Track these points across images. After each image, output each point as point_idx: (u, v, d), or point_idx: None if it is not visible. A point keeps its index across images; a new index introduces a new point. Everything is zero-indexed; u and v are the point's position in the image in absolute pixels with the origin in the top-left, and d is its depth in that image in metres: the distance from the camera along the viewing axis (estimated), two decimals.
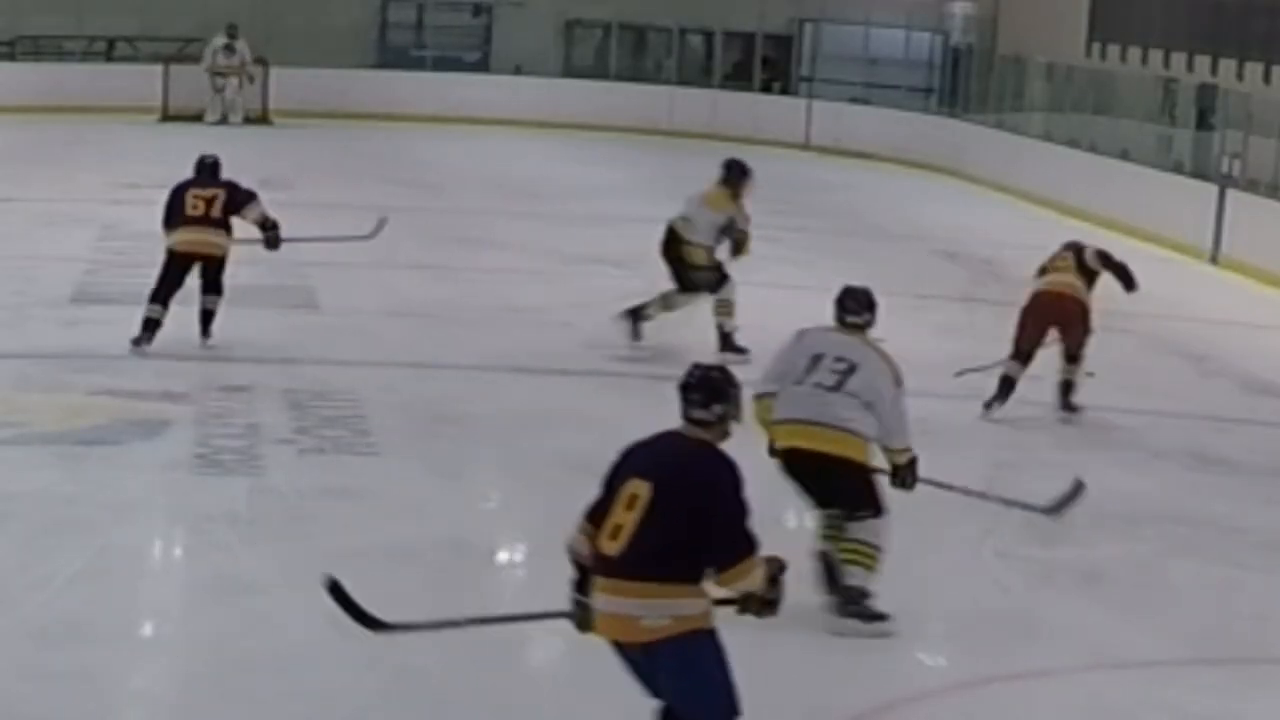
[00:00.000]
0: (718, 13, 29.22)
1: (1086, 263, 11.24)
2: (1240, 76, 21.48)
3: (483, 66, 29.70)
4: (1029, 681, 6.98)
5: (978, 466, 10.01)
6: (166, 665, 6.78)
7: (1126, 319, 13.77)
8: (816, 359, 7.49)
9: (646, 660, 5.36)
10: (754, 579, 5.38)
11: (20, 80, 25.80)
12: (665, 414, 10.95)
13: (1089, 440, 10.75)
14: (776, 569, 5.47)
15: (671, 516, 5.29)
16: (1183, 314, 13.78)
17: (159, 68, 26.05)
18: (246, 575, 7.52)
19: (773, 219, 19.75)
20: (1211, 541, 8.88)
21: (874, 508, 7.46)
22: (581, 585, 5.53)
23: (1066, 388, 11.23)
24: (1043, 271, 11.43)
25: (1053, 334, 11.13)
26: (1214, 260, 18.02)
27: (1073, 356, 11.18)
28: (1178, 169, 20.60)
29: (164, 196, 12.02)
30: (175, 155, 22.41)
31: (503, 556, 8.40)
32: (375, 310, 13.20)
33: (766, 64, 30.04)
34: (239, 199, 11.77)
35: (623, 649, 5.43)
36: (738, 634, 7.09)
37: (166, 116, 25.67)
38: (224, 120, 25.66)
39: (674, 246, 12.43)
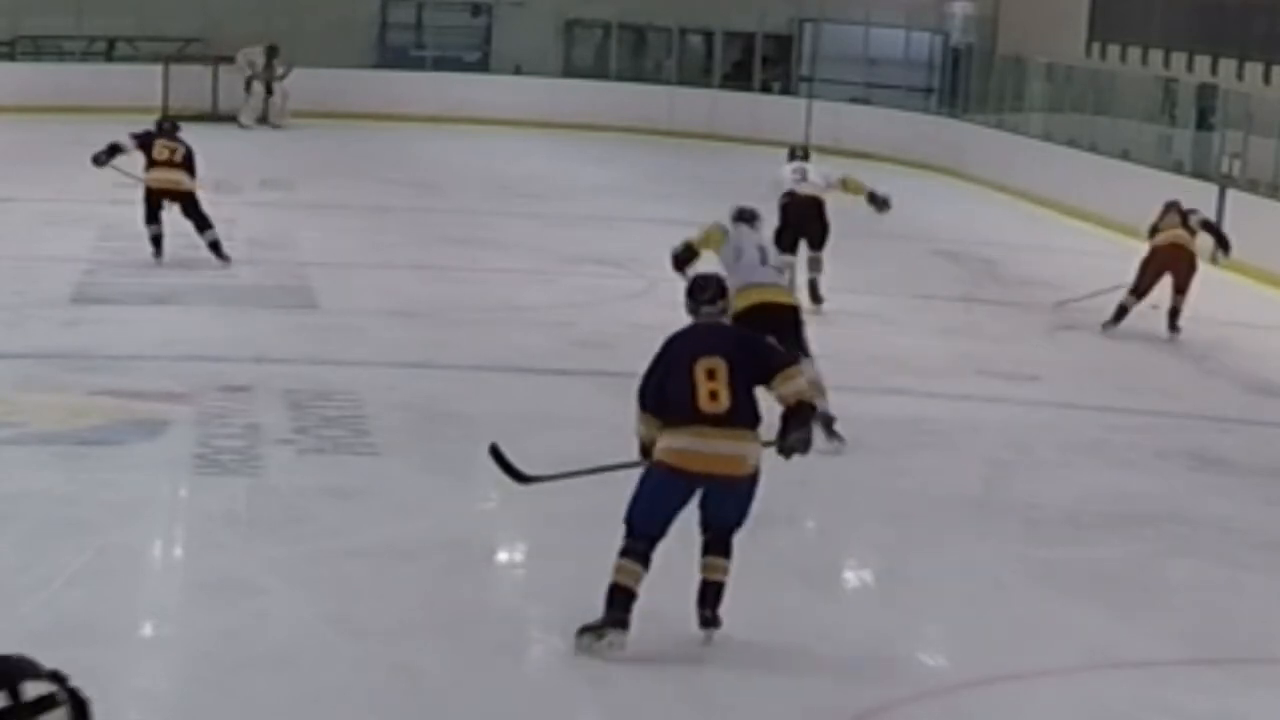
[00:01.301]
0: (718, 13, 29.23)
1: (1190, 224, 14.16)
2: (1240, 76, 21.48)
3: (483, 66, 29.72)
4: (1029, 681, 6.97)
5: (978, 466, 10.01)
6: (166, 665, 6.78)
7: (1127, 319, 13.79)
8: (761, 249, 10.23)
9: (731, 488, 7.00)
10: (801, 382, 7.08)
11: (20, 80, 25.82)
12: None
13: (1089, 440, 10.76)
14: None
15: (745, 376, 7.00)
16: (1183, 314, 13.77)
17: (159, 68, 26.07)
18: (246, 575, 7.51)
19: (772, 219, 19.77)
20: (1211, 541, 8.88)
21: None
22: (646, 453, 7.19)
23: (1174, 314, 13.98)
24: (1154, 231, 14.22)
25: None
26: (1214, 260, 18.01)
27: (1180, 289, 13.98)
28: (1178, 169, 20.59)
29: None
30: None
31: (503, 556, 8.40)
32: (375, 310, 13.19)
33: (767, 63, 30.05)
34: (193, 165, 14.51)
35: (714, 481, 6.97)
36: (739, 633, 7.11)
37: (166, 116, 25.65)
38: (264, 121, 26.02)
39: (818, 208, 14.08)
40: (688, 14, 29.58)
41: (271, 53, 26.42)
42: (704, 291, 7.44)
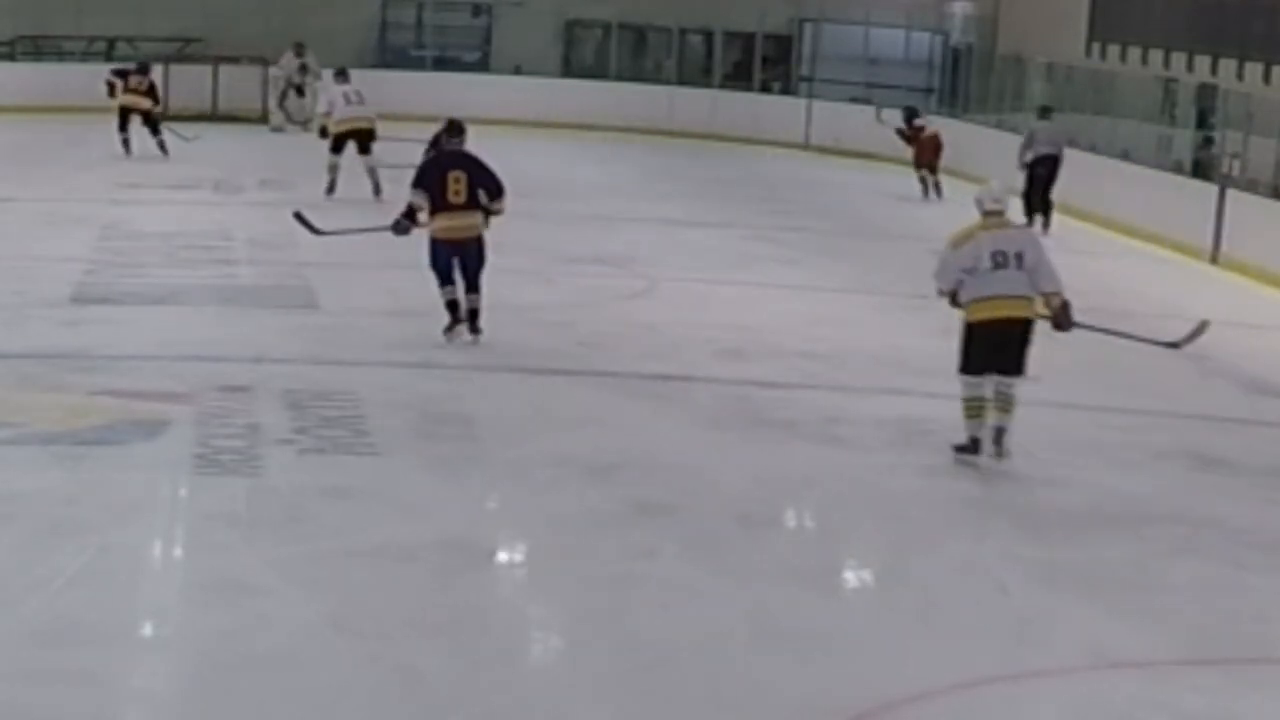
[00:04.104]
0: (718, 13, 29.25)
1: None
2: (1240, 76, 21.48)
3: (483, 66, 29.74)
4: (1029, 681, 6.97)
5: (978, 466, 10.01)
6: (166, 665, 6.78)
7: (1127, 319, 13.76)
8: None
9: (474, 246, 12.05)
10: (506, 201, 12.17)
11: (20, 80, 25.82)
12: (664, 412, 10.98)
13: (1089, 440, 10.76)
14: None
15: (476, 182, 12.00)
16: (1183, 314, 13.72)
17: (159, 68, 26.05)
18: (246, 575, 7.51)
19: (772, 219, 19.80)
20: (1211, 541, 8.87)
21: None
22: (411, 216, 12.26)
23: (938, 186, 20.87)
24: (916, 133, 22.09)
25: None
26: (1214, 260, 18.02)
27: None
28: (1178, 169, 20.59)
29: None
30: (176, 155, 22.45)
31: (503, 556, 8.40)
32: (375, 310, 13.19)
33: (767, 63, 30.06)
34: (154, 92, 22.33)
35: (463, 244, 12.01)
36: (736, 634, 7.11)
37: (166, 116, 25.69)
38: (290, 125, 26.10)
39: (369, 125, 19.40)
40: (688, 14, 29.59)
41: (299, 50, 26.36)
42: (456, 132, 12.41)
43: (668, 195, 21.54)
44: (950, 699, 6.73)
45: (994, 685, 6.91)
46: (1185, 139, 21.47)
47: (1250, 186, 18.54)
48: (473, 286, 12.01)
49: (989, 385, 9.71)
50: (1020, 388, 9.75)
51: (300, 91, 26.49)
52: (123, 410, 9.96)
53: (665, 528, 8.47)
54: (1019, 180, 19.30)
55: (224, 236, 16.25)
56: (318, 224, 13.73)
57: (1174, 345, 11.25)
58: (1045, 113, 20.96)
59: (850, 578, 8.46)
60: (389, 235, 12.58)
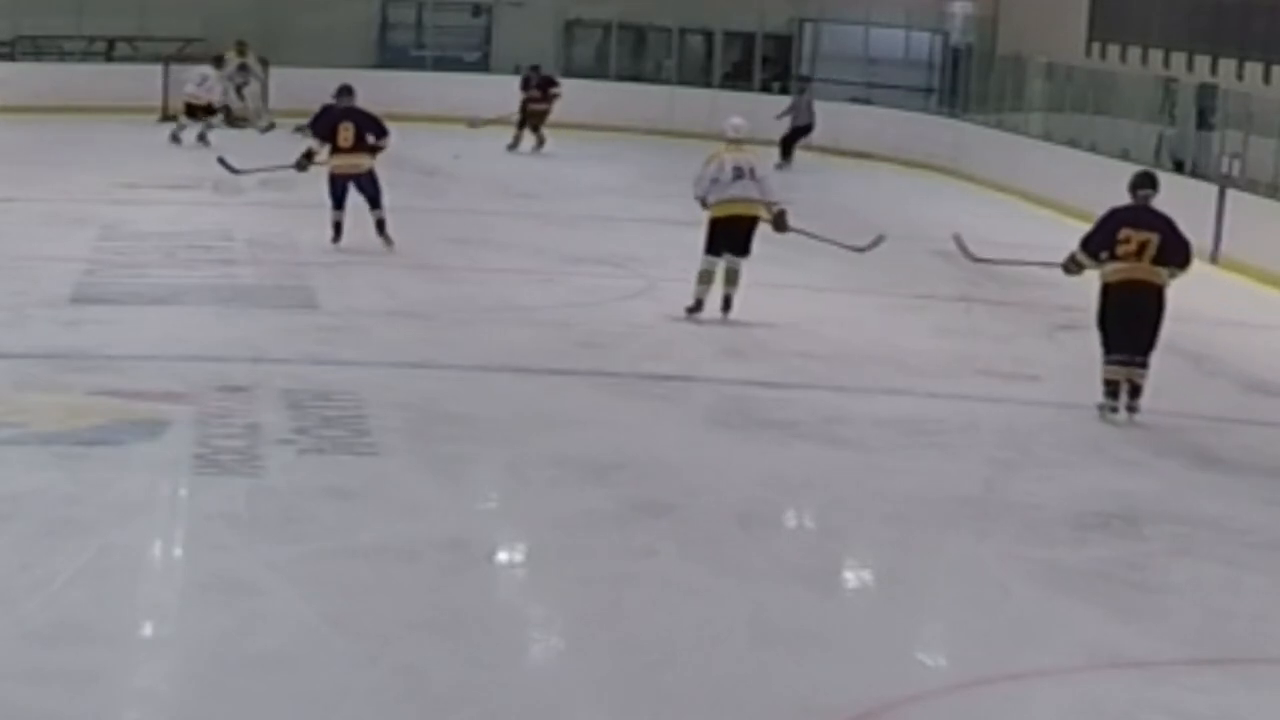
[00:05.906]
0: (718, 13, 29.25)
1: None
2: (1240, 76, 21.48)
3: (483, 66, 29.73)
4: (1029, 681, 6.97)
5: (977, 465, 10.02)
6: (166, 665, 6.77)
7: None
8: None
9: (365, 177, 15.26)
10: (391, 140, 15.76)
11: (20, 80, 25.82)
12: (664, 412, 10.98)
13: (1089, 440, 10.76)
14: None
15: (364, 130, 15.30)
16: (1183, 314, 13.69)
17: (159, 68, 26.08)
18: (246, 575, 7.51)
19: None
20: (1211, 541, 8.87)
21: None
22: (309, 156, 15.69)
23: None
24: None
25: None
26: (1214, 260, 18.00)
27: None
28: (1178, 169, 20.58)
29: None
30: (175, 154, 22.46)
31: (503, 556, 8.40)
32: (375, 310, 13.20)
33: (767, 63, 30.06)
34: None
35: (353, 177, 15.28)
36: (736, 634, 7.12)
37: (166, 116, 25.70)
38: (238, 123, 26.08)
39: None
40: (688, 14, 29.60)
41: (241, 49, 26.31)
42: (340, 95, 15.38)
43: (668, 195, 21.50)
44: (950, 699, 6.73)
45: (994, 685, 6.91)
46: (1185, 139, 21.46)
47: (1250, 186, 18.54)
48: (374, 205, 15.33)
49: (721, 264, 13.22)
50: (744, 266, 13.29)
51: (240, 92, 26.47)
52: (123, 410, 9.96)
53: (665, 528, 8.47)
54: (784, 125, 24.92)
55: (224, 236, 16.25)
56: (237, 165, 17.45)
57: (860, 249, 14.40)
58: (805, 84, 26.40)
59: (850, 578, 8.46)
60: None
